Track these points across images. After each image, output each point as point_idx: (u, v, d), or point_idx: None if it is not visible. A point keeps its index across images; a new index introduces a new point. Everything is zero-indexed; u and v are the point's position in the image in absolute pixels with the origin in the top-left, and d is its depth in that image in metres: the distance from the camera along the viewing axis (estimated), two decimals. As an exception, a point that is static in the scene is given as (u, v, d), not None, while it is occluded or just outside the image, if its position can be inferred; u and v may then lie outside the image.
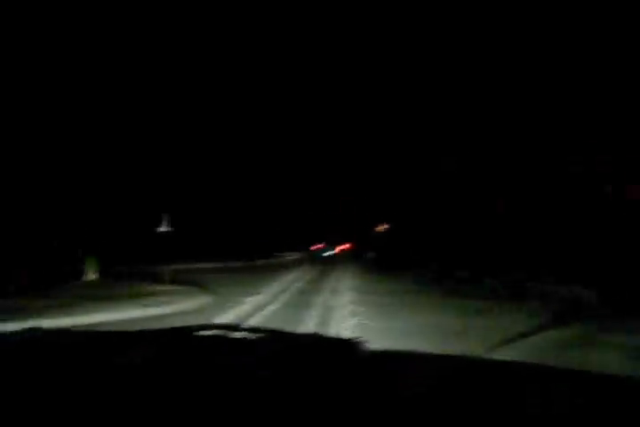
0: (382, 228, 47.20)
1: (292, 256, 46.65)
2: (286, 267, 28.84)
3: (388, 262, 35.74)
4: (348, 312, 10.08)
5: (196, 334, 1.75)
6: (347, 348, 1.53)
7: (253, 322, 8.70)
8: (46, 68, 17.04)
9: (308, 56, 40.42)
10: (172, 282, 14.58)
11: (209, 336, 1.74)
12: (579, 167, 23.41)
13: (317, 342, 1.60)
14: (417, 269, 28.64)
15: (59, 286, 14.56)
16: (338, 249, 69.23)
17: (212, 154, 29.25)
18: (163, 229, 13.70)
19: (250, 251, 33.75)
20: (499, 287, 17.22)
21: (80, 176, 16.94)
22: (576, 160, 23.46)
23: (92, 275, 17.46)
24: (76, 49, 18.18)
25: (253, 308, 10.77)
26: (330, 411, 1.04)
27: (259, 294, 13.52)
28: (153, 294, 12.41)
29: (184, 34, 25.22)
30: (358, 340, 1.57)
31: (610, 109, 21.97)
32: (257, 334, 1.68)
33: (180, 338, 1.71)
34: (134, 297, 11.58)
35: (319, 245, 66.05)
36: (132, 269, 19.89)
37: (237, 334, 1.79)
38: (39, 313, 8.66)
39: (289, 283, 17.46)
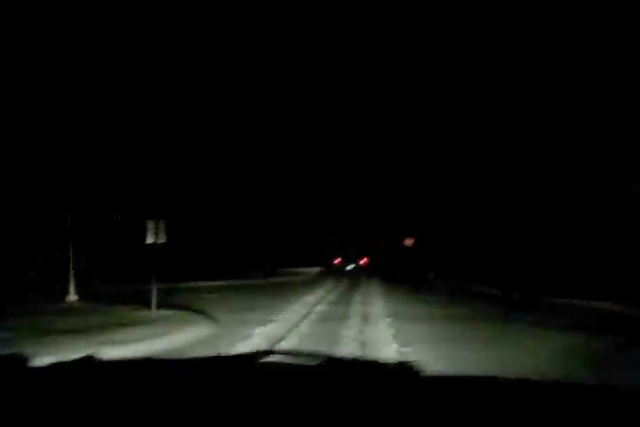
0: (409, 242, 44.51)
1: (307, 272, 44.03)
2: (303, 285, 26.35)
3: (418, 279, 33.24)
4: (393, 353, 7.56)
5: (259, 360, 1.77)
6: (404, 372, 1.57)
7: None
8: (44, 68, 16.05)
9: (308, 57, 39.88)
10: (164, 306, 12.14)
11: (269, 363, 1.78)
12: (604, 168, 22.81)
13: (374, 367, 1.65)
14: (454, 287, 26.10)
15: (33, 310, 12.41)
16: (358, 264, 67.07)
17: (208, 158, 27.55)
18: (150, 240, 11.24)
19: (257, 266, 31.34)
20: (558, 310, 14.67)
21: (58, 178, 14.87)
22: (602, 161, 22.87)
23: (73, 296, 15.21)
24: (76, 49, 18.00)
25: (264, 343, 8.30)
26: None
27: (271, 322, 11.06)
28: (137, 322, 10.00)
29: (184, 34, 25.42)
30: (414, 363, 1.60)
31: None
32: (315, 360, 1.70)
33: (242, 365, 1.75)
34: (112, 328, 9.18)
35: (338, 260, 64.02)
36: (118, 289, 17.55)
37: (298, 360, 1.83)
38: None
39: (308, 306, 14.95)
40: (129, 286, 17.46)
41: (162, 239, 11.35)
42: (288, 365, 1.80)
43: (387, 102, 49.95)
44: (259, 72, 33.30)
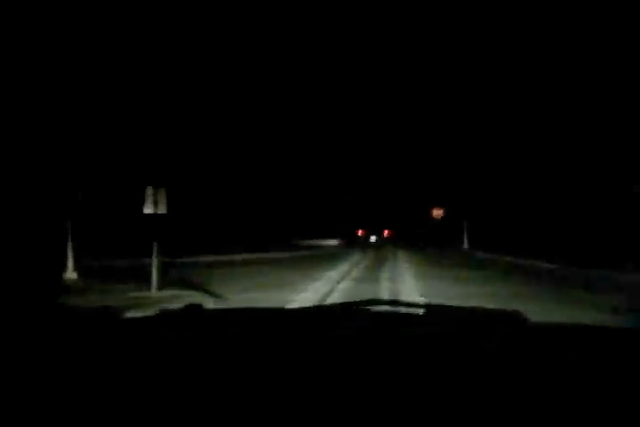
0: (438, 213, 43.08)
1: (328, 244, 42.89)
2: (325, 258, 25.26)
3: (451, 252, 32.03)
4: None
5: (365, 308, 1.78)
6: (513, 319, 1.61)
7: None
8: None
9: (308, 56, 39.98)
10: (168, 283, 11.06)
11: (376, 312, 1.78)
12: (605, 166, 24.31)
13: (483, 314, 1.67)
14: (494, 260, 24.69)
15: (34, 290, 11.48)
16: (381, 236, 65.91)
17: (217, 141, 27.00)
18: (149, 210, 10.03)
19: (274, 239, 30.23)
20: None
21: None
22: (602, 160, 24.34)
23: (71, 273, 14.25)
24: (77, 45, 17.98)
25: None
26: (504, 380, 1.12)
27: (290, 302, 9.93)
28: (133, 305, 8.94)
29: (185, 33, 25.44)
30: (519, 311, 1.65)
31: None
32: (423, 309, 1.73)
33: (349, 313, 1.76)
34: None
35: (361, 232, 62.87)
36: (121, 263, 16.55)
37: (405, 310, 1.85)
38: None
39: (331, 283, 13.82)
40: (134, 260, 16.44)
41: (162, 209, 10.14)
42: (394, 313, 1.86)
43: (386, 99, 50.08)
44: (261, 70, 33.73)
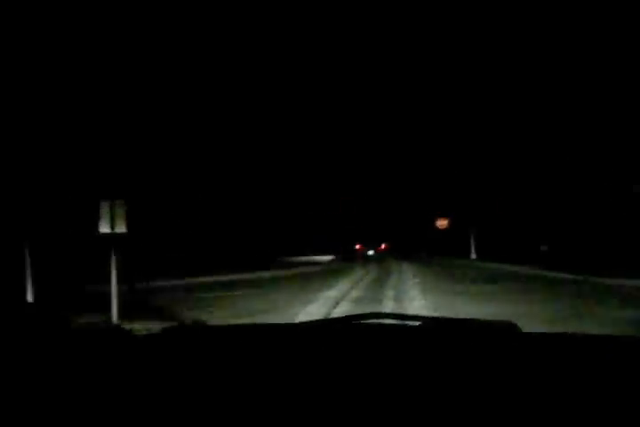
0: (442, 223, 41.87)
1: (321, 260, 41.26)
2: (319, 276, 23.85)
3: (458, 263, 30.81)
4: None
5: (358, 322, 1.83)
6: (506, 330, 1.64)
7: None
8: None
9: (308, 57, 40.54)
10: (140, 312, 9.71)
11: (374, 324, 1.84)
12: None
13: (479, 326, 1.70)
14: (507, 272, 23.37)
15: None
16: (378, 249, 64.77)
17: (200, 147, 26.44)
18: (105, 229, 8.58)
19: (262, 257, 28.84)
20: None
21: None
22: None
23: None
24: (76, 47, 18.54)
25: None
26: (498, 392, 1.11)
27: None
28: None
29: (184, 34, 26.11)
30: (513, 322, 1.67)
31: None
32: (419, 322, 1.79)
33: (343, 328, 1.80)
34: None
35: (359, 246, 61.88)
36: (76, 289, 15.18)
37: (400, 322, 1.89)
38: None
39: (328, 306, 12.47)
40: (85, 287, 15.07)
41: (121, 228, 8.67)
42: (392, 325, 1.86)
43: (387, 99, 50.48)
44: (259, 71, 34.07)
